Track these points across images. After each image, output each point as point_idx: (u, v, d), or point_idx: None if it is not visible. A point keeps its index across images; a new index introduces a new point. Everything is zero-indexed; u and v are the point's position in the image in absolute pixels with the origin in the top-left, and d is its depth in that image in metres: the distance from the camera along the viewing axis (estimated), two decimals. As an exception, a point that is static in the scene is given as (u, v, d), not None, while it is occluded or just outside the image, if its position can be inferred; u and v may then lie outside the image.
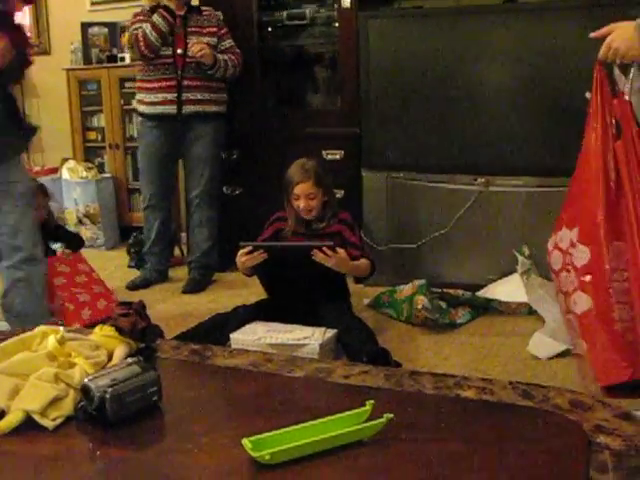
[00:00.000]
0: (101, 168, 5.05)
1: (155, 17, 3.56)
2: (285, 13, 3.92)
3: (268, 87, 4.18)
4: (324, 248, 2.59)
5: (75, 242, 3.53)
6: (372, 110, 3.61)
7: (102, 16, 4.98)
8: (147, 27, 3.54)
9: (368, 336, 2.63)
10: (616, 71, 1.87)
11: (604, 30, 1.86)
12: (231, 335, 2.62)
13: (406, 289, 3.28)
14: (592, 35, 1.90)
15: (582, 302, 1.80)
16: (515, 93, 3.36)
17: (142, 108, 3.70)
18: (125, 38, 4.37)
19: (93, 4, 5.04)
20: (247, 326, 2.70)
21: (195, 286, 3.80)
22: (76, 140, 5.08)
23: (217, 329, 2.74)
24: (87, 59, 4.99)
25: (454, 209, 3.54)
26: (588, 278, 1.79)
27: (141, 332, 1.48)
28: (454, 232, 3.56)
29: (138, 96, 3.73)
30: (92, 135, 5.09)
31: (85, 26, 4.96)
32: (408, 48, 3.50)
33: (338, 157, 3.80)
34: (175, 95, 3.58)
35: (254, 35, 3.96)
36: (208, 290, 3.83)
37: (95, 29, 4.93)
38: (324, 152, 3.79)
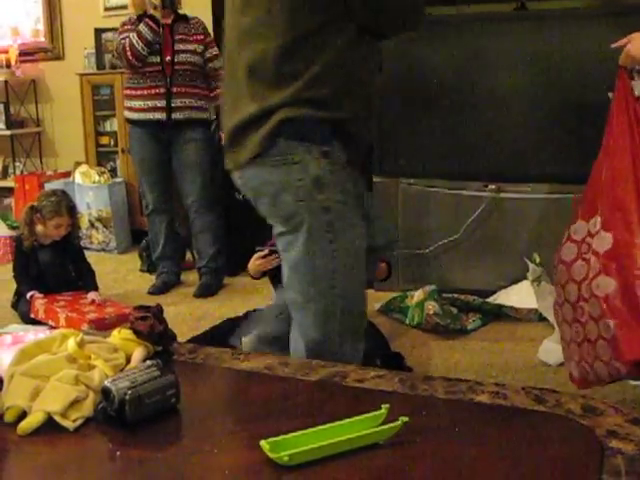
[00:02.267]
0: (113, 172, 5.11)
1: (141, 26, 3.60)
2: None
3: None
4: None
5: (87, 274, 3.57)
6: (383, 116, 3.60)
7: (116, 22, 4.90)
8: (133, 37, 3.58)
9: (381, 340, 2.63)
10: (635, 77, 2.03)
11: (624, 40, 2.02)
12: (243, 339, 2.63)
13: (417, 295, 3.28)
14: (613, 45, 2.04)
15: (605, 284, 1.93)
16: (527, 100, 3.38)
17: (132, 115, 3.76)
18: (113, 46, 4.36)
19: (107, 9, 5.11)
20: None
21: (206, 290, 3.83)
22: (89, 144, 5.13)
23: (229, 333, 2.76)
24: (100, 64, 5.06)
25: (465, 215, 3.55)
26: (613, 262, 1.93)
27: (158, 335, 1.50)
28: (465, 238, 3.58)
29: (127, 104, 3.78)
30: (105, 140, 5.15)
31: (99, 32, 5.04)
32: (420, 54, 3.52)
33: None
34: (164, 102, 3.64)
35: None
36: (220, 295, 3.87)
37: (109, 35, 4.98)
38: None
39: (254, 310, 2.91)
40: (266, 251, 2.69)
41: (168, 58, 3.59)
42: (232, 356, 1.53)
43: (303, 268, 1.55)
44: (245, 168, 1.60)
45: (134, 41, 3.57)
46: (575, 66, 3.22)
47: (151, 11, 3.63)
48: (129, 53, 3.59)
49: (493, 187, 3.47)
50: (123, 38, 3.66)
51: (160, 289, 3.89)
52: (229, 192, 4.01)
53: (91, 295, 3.42)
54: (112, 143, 5.10)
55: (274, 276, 2.81)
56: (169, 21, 3.67)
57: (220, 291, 3.92)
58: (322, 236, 1.54)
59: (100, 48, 5.03)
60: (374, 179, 3.71)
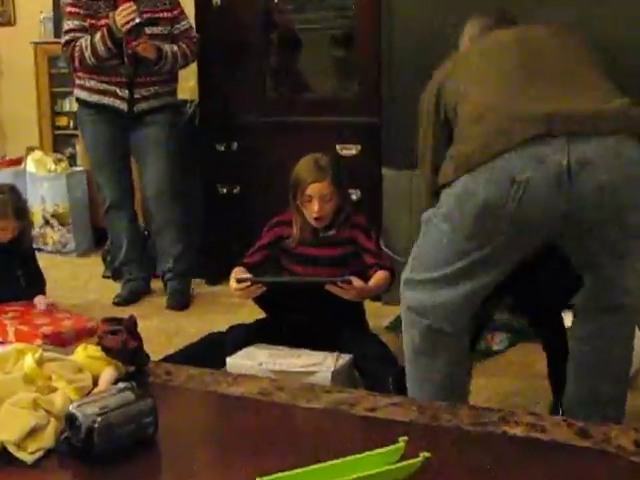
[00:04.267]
0: (73, 160, 5.03)
1: (97, 40, 3.51)
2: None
3: (271, 70, 4.19)
4: (339, 283, 2.59)
5: (37, 283, 3.51)
6: (396, 97, 3.56)
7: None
8: (86, 48, 3.51)
9: (390, 360, 2.63)
10: None
11: None
12: (227, 359, 2.63)
13: None
14: None
15: None
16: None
17: (84, 95, 3.74)
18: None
19: (67, -33, 5.05)
20: (246, 349, 2.70)
21: (180, 300, 3.82)
22: (44, 127, 5.08)
23: (210, 352, 2.70)
24: (59, 32, 4.82)
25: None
26: None
27: (132, 353, 1.50)
28: (490, 242, 3.56)
29: (79, 81, 3.74)
30: (63, 121, 5.10)
31: (57, -7, 4.94)
32: (441, 22, 3.33)
33: (354, 152, 3.80)
34: (127, 92, 3.66)
35: (254, 8, 3.98)
36: (197, 306, 3.85)
37: (69, -3, 4.93)
38: (338, 146, 3.77)
39: (239, 325, 2.90)
40: (247, 280, 2.66)
41: (130, 51, 3.55)
42: (218, 378, 1.53)
43: None
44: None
45: (86, 55, 3.53)
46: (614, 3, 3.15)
47: None
48: (77, 62, 3.59)
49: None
50: (71, 39, 3.58)
51: (127, 299, 3.86)
52: (208, 176, 4.09)
53: (38, 300, 3.35)
54: (71, 125, 4.98)
55: (262, 300, 2.81)
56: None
57: (199, 302, 3.88)
58: None
59: (59, 12, 4.83)
60: (383, 172, 3.69)
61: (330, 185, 2.81)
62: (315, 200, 2.79)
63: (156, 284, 4.09)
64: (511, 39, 2.15)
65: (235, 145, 4.05)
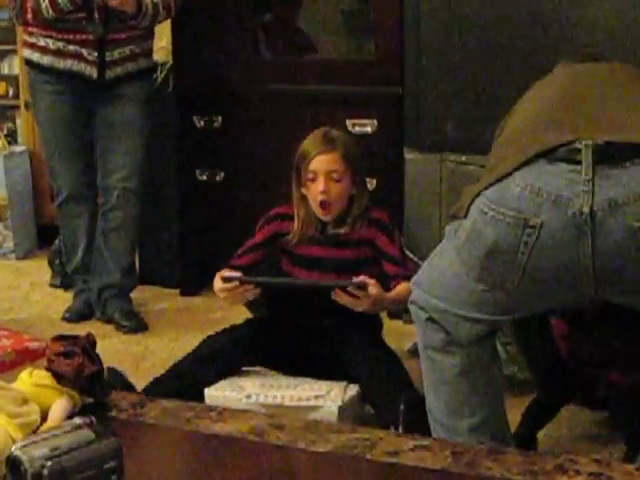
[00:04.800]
0: (12, 137, 5.03)
1: None
2: None
3: (266, 25, 4.22)
4: (350, 288, 2.58)
5: None
6: (421, 61, 3.52)
7: None
8: (43, 1, 3.47)
9: (404, 383, 2.62)
10: None
11: None
12: (206, 391, 2.61)
13: None
14: None
15: None
16: (626, 38, 3.23)
17: (37, 57, 3.69)
18: None
19: None
20: (230, 379, 2.69)
21: (137, 321, 3.82)
22: (-25, 95, 5.09)
23: (187, 379, 2.68)
24: None
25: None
26: None
27: (89, 380, 1.51)
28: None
29: (30, 38, 3.70)
30: (0, 88, 5.07)
31: None
32: None
33: (369, 129, 3.77)
34: (96, 55, 3.62)
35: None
36: (168, 323, 3.84)
37: None
38: (349, 122, 3.74)
39: (210, 337, 2.82)
40: (235, 280, 2.65)
41: (101, 2, 3.50)
42: (199, 413, 1.52)
43: None
44: None
45: (42, 6, 3.47)
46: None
47: None
48: (30, 15, 3.54)
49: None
50: None
51: (80, 314, 3.85)
52: (184, 160, 4.08)
53: None
54: (10, 93, 4.99)
55: (254, 305, 2.84)
56: None
57: (171, 317, 3.89)
58: None
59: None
60: (405, 155, 3.66)
61: (341, 160, 2.80)
62: (321, 176, 2.78)
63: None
64: (569, 71, 2.30)
65: (219, 120, 4.03)
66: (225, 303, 2.84)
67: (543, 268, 1.89)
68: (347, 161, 2.80)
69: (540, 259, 1.87)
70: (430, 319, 2.12)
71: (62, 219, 3.95)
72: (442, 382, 2.14)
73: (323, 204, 2.77)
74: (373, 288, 2.57)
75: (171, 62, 4.08)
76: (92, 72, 3.62)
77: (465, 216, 2.02)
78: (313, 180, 2.78)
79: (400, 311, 3.15)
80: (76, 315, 3.86)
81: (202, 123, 4.05)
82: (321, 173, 2.77)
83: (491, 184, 1.95)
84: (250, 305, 2.83)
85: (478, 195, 1.97)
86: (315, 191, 2.76)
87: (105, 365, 1.96)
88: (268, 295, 2.72)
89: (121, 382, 2.51)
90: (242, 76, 4.00)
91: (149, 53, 3.81)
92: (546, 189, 1.85)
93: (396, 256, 2.84)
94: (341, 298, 2.59)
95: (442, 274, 2.12)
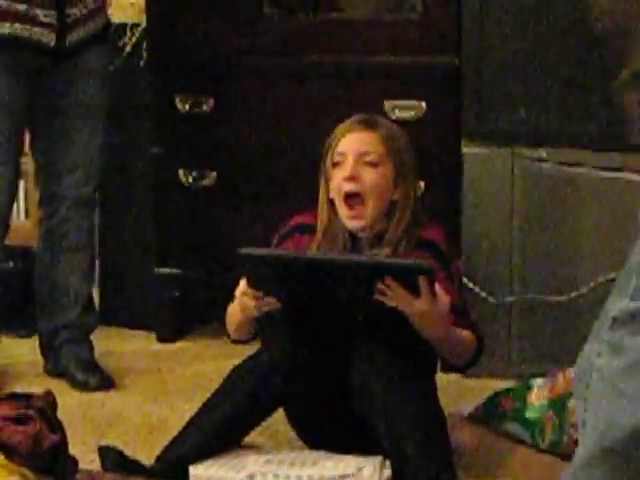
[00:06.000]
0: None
1: None
2: None
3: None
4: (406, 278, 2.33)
5: None
6: (485, 26, 3.35)
7: None
8: None
9: (444, 463, 2.44)
10: None
11: None
12: (191, 469, 2.46)
13: (550, 385, 3.05)
14: None
15: None
16: None
17: None
18: None
19: None
20: (224, 454, 2.57)
21: (101, 375, 3.49)
22: None
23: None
24: None
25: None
26: None
27: (49, 455, 1.60)
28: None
29: None
30: None
31: None
32: None
33: (414, 115, 3.47)
34: (54, 13, 3.38)
35: None
36: (141, 376, 3.58)
37: None
38: (387, 104, 3.45)
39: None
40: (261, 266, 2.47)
41: None
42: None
43: None
44: None
45: None
46: None
47: None
48: None
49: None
50: None
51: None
52: (162, 156, 3.75)
53: None
54: None
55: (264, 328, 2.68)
56: None
57: (146, 369, 3.62)
58: None
59: None
60: (463, 149, 3.41)
61: (379, 143, 2.61)
62: (350, 157, 2.55)
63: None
64: None
65: (209, 102, 3.68)
66: (238, 332, 2.70)
67: None
68: (389, 147, 2.64)
69: None
70: None
71: None
72: None
73: (349, 198, 2.56)
74: (440, 290, 2.42)
75: (144, 24, 3.78)
76: (49, 39, 3.38)
77: None
78: (338, 165, 2.60)
79: (456, 363, 2.78)
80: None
81: (187, 106, 3.72)
82: (350, 153, 2.58)
83: None
84: (257, 323, 2.69)
85: None
86: (339, 180, 2.57)
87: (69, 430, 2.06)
88: (283, 310, 2.53)
89: (122, 465, 2.37)
90: (240, 43, 3.70)
91: (104, 12, 3.62)
92: None
93: (454, 298, 2.61)
94: (388, 293, 2.34)
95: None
